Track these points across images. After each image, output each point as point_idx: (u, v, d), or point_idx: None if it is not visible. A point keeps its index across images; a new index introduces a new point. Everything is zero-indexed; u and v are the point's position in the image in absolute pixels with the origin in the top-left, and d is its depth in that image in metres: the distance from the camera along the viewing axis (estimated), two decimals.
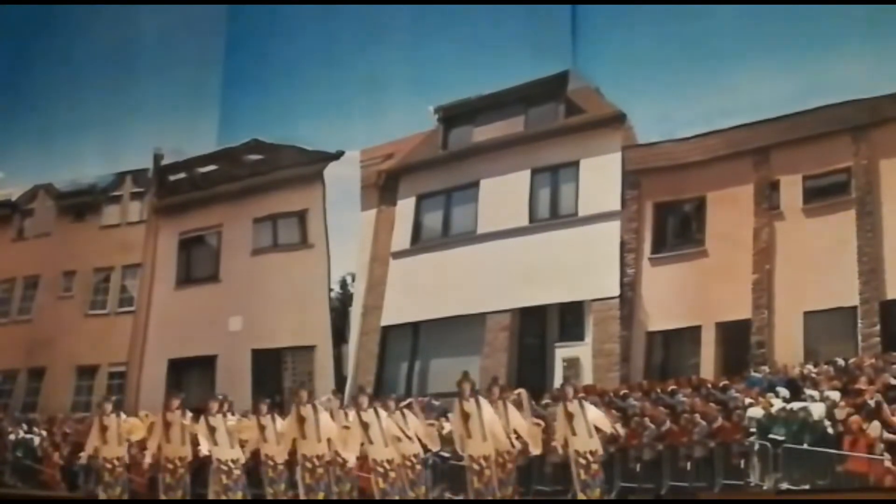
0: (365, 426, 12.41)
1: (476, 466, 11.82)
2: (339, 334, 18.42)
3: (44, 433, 18.89)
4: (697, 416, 13.81)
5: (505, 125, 18.08)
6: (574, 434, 12.04)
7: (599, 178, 16.86)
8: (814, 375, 14.03)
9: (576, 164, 17.24)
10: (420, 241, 18.62)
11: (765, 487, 12.90)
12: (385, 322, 18.31)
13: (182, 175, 20.54)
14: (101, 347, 20.18)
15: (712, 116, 15.61)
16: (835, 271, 14.85)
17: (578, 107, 17.43)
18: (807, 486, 12.38)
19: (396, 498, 12.42)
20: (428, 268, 18.27)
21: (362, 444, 12.80)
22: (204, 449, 13.53)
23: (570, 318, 16.87)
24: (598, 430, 12.41)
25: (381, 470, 12.32)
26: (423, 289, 18.06)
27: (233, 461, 13.42)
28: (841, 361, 14.13)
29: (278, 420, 13.59)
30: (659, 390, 14.88)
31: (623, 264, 16.44)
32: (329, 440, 12.95)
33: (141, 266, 20.42)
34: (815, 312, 14.99)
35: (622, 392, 15.08)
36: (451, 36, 17.85)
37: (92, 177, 21.08)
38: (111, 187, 21.06)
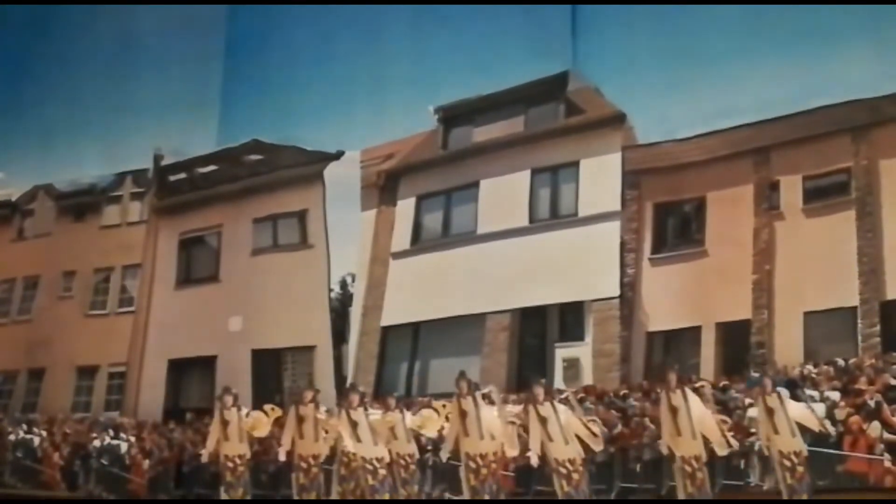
0: (543, 421, 11.33)
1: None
2: (339, 334, 18.43)
3: (44, 433, 18.89)
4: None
5: (505, 125, 18.09)
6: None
7: (599, 179, 16.87)
8: (814, 376, 14.03)
9: (576, 164, 17.25)
10: (420, 242, 18.63)
11: (765, 488, 12.88)
12: (385, 322, 18.32)
13: (182, 175, 20.55)
14: (101, 348, 20.18)
15: (712, 117, 15.62)
16: (835, 272, 14.86)
17: (578, 107, 17.45)
18: None
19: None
20: (428, 268, 18.27)
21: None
22: (349, 446, 12.16)
23: (570, 319, 16.87)
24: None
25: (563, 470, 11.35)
26: (423, 289, 18.06)
27: (377, 459, 12.10)
28: (841, 362, 14.14)
29: (408, 416, 12.60)
30: (659, 390, 14.83)
31: (623, 264, 16.45)
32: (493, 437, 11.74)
33: (141, 266, 20.43)
34: (815, 313, 15.00)
35: (622, 392, 15.07)
36: (450, 36, 17.87)
37: (92, 177, 21.09)
38: (111, 187, 21.07)
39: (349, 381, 17.82)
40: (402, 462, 12.20)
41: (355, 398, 12.37)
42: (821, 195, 15.45)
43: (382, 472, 11.95)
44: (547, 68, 17.27)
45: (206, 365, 19.22)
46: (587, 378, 16.08)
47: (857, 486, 11.82)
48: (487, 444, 11.49)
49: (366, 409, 12.30)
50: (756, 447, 12.97)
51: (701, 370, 15.35)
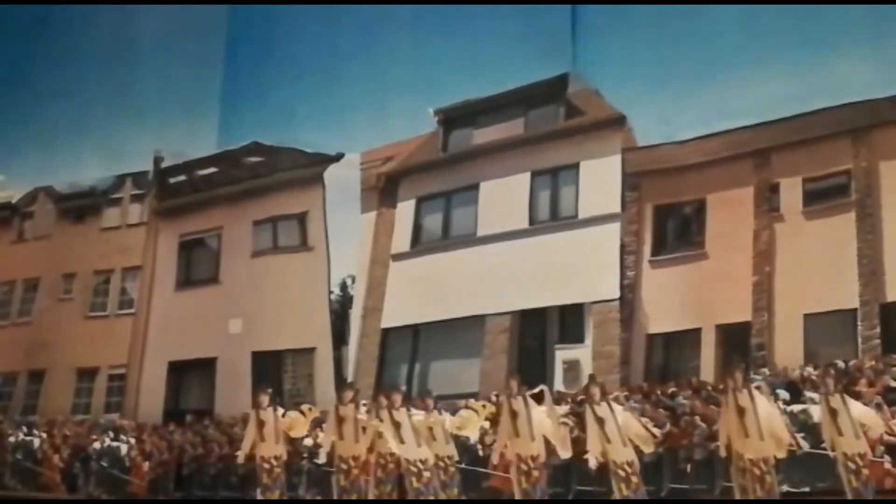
0: (600, 421, 10.98)
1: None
2: (339, 336, 18.43)
3: (44, 435, 18.84)
4: (697, 418, 13.73)
5: (505, 127, 18.09)
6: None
7: (599, 181, 16.87)
8: (814, 377, 14.01)
9: (576, 166, 17.25)
10: (420, 244, 18.63)
11: None
12: (385, 324, 18.32)
13: (182, 177, 20.56)
14: (101, 350, 20.17)
15: (712, 119, 15.64)
16: (835, 274, 14.87)
17: (578, 109, 17.46)
18: (807, 489, 12.33)
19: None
20: (428, 270, 18.27)
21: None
22: (393, 448, 11.76)
23: (570, 321, 16.87)
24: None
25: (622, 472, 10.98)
26: (423, 291, 18.06)
27: (421, 461, 11.70)
28: (841, 363, 14.12)
29: (447, 416, 12.38)
30: (659, 392, 14.85)
31: (623, 266, 16.46)
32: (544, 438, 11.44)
33: (141, 268, 20.42)
34: (815, 315, 15.01)
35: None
36: (451, 38, 17.87)
37: (92, 179, 21.09)
38: (111, 190, 21.07)
39: (349, 381, 17.86)
40: (442, 464, 11.88)
41: (398, 398, 11.99)
42: (821, 197, 15.46)
43: (427, 474, 11.61)
44: (547, 70, 17.29)
45: (206, 367, 19.23)
46: (587, 380, 16.05)
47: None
48: (539, 445, 11.20)
49: (408, 410, 11.94)
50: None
51: (701, 372, 15.35)
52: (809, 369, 14.36)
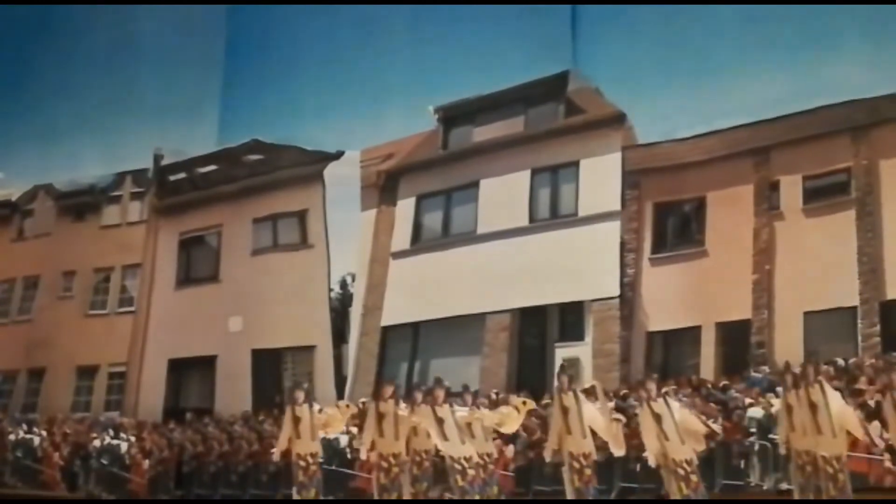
0: (657, 418, 10.61)
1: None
2: (339, 334, 18.43)
3: (44, 433, 18.88)
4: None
5: (505, 125, 18.08)
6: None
7: (599, 179, 16.86)
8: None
9: (576, 164, 17.24)
10: (420, 242, 18.62)
11: (765, 487, 12.90)
12: (385, 322, 18.31)
13: (182, 175, 20.55)
14: (101, 348, 20.18)
15: (712, 117, 15.63)
16: (835, 271, 14.86)
17: (578, 107, 17.44)
18: None
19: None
20: (428, 268, 18.27)
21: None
22: (439, 445, 11.48)
23: (570, 319, 16.87)
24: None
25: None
26: (423, 289, 18.06)
27: (465, 459, 11.36)
28: (841, 361, 14.12)
29: (486, 413, 11.91)
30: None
31: (623, 264, 16.45)
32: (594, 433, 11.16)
33: (141, 266, 20.42)
34: (816, 312, 15.01)
35: (622, 392, 15.05)
36: (450, 36, 17.86)
37: (92, 177, 21.08)
38: (111, 187, 21.06)
39: (349, 380, 17.88)
40: (481, 462, 11.52)
41: (440, 393, 11.67)
42: (821, 195, 15.45)
43: (471, 472, 11.29)
44: (547, 68, 17.27)
45: (206, 365, 19.23)
46: (587, 378, 16.05)
47: (857, 486, 11.78)
48: (591, 442, 10.95)
49: (451, 406, 11.62)
50: (756, 447, 12.99)
51: (701, 370, 15.35)
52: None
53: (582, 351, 16.44)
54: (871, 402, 12.75)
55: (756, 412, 13.26)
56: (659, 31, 16.14)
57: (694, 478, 10.48)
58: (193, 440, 17.26)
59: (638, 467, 13.27)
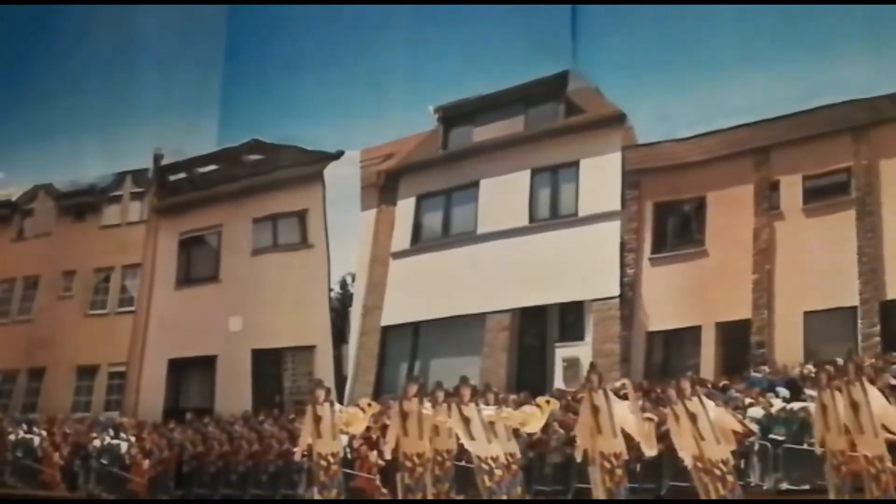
0: (693, 418, 10.38)
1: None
2: (339, 334, 18.43)
3: (44, 433, 18.86)
4: None
5: (505, 125, 18.08)
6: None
7: (599, 178, 16.86)
8: (814, 375, 13.99)
9: (576, 164, 17.24)
10: (420, 242, 18.62)
11: (765, 487, 12.87)
12: (385, 322, 18.31)
13: (182, 175, 20.56)
14: (101, 347, 20.18)
15: (712, 116, 15.63)
16: (835, 271, 14.86)
17: (578, 107, 17.44)
18: (807, 486, 12.32)
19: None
20: (428, 268, 18.27)
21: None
22: (466, 445, 11.23)
23: (570, 318, 16.87)
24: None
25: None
26: (423, 289, 18.06)
27: (493, 459, 11.07)
28: (841, 361, 14.09)
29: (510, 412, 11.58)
30: (659, 390, 14.81)
31: (623, 264, 16.45)
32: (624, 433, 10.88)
33: (141, 266, 20.42)
34: (815, 312, 15.00)
35: (622, 392, 15.02)
36: (451, 36, 17.86)
37: (92, 177, 21.10)
38: (111, 187, 21.07)
39: (349, 380, 17.88)
40: (505, 462, 11.25)
41: (467, 392, 11.39)
42: (821, 195, 15.45)
43: (498, 472, 11.03)
44: (547, 68, 17.27)
45: (206, 365, 19.23)
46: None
47: (857, 486, 11.78)
48: (622, 441, 10.71)
49: (477, 405, 11.36)
50: (756, 447, 12.98)
51: (701, 370, 15.34)
52: (809, 367, 14.35)
53: (582, 351, 16.43)
54: None
55: (756, 412, 13.24)
56: (659, 31, 16.14)
57: (730, 478, 10.27)
58: (193, 440, 17.24)
59: (638, 467, 13.25)
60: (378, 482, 12.24)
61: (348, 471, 14.63)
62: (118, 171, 20.90)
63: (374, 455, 13.77)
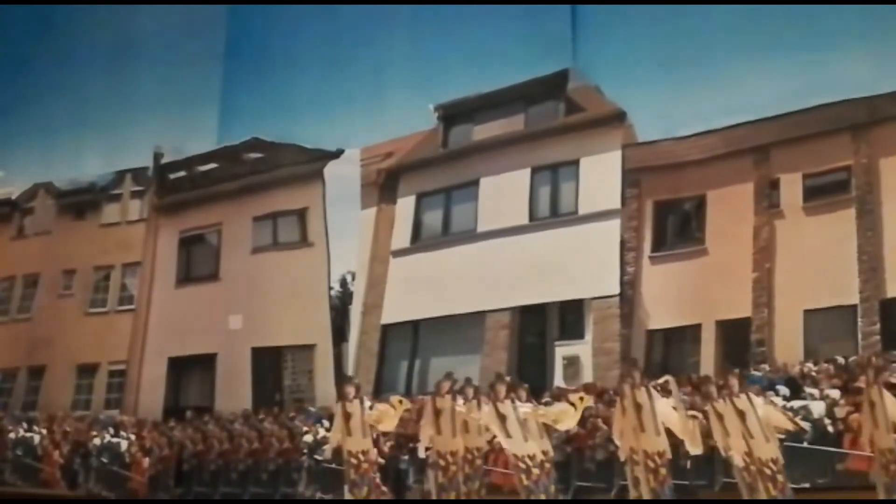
0: (741, 415, 10.17)
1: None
2: (340, 333, 18.43)
3: (44, 431, 18.88)
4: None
5: (505, 123, 18.08)
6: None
7: (599, 177, 16.86)
8: (814, 373, 14.02)
9: (576, 162, 17.24)
10: (420, 240, 18.63)
11: None
12: (385, 320, 18.32)
13: (182, 173, 20.55)
14: (101, 346, 20.18)
15: (712, 115, 15.63)
16: (835, 269, 14.86)
17: (578, 105, 17.44)
18: (807, 485, 12.33)
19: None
20: (428, 266, 18.27)
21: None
22: (503, 443, 11.05)
23: (570, 317, 16.87)
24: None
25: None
26: (423, 287, 18.06)
27: (530, 457, 10.85)
28: (841, 359, 14.13)
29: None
30: (659, 388, 14.77)
31: (623, 263, 16.45)
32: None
33: (141, 264, 20.42)
34: (816, 311, 15.01)
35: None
36: (451, 35, 17.86)
37: (92, 175, 21.09)
38: (111, 186, 21.06)
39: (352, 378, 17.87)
40: (541, 460, 11.06)
41: (502, 389, 11.18)
42: (821, 193, 15.45)
43: (536, 470, 10.81)
44: (547, 66, 17.26)
45: (206, 363, 19.22)
46: (587, 376, 16.07)
47: (857, 485, 11.77)
48: (665, 440, 10.52)
49: (513, 402, 11.15)
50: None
51: (701, 368, 15.34)
52: (809, 365, 14.37)
53: (582, 349, 16.44)
54: None
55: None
56: (659, 30, 16.13)
57: (780, 478, 10.07)
58: (193, 438, 17.27)
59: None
60: (378, 480, 12.23)
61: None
62: (118, 169, 20.89)
63: (373, 453, 13.71)
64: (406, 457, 14.29)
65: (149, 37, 19.96)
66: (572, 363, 16.40)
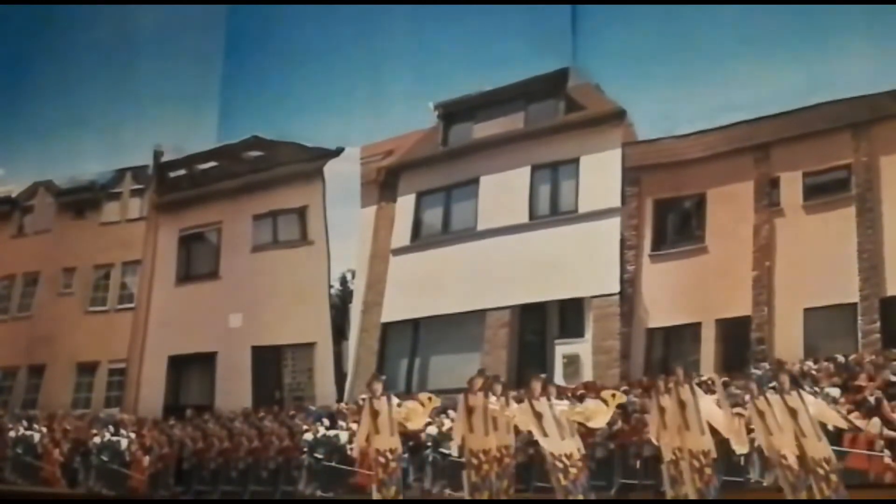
0: (793, 413, 9.91)
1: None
2: (340, 331, 18.42)
3: (44, 430, 18.89)
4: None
5: (505, 122, 18.07)
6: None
7: (599, 175, 16.85)
8: (814, 372, 14.02)
9: (576, 160, 17.23)
10: (420, 238, 18.62)
11: (765, 484, 12.87)
12: (385, 319, 18.31)
13: (182, 172, 20.54)
14: (101, 344, 20.18)
15: (712, 113, 15.61)
16: (835, 268, 14.85)
17: (578, 103, 17.43)
18: None
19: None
20: (428, 264, 18.26)
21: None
22: (540, 442, 10.84)
23: (570, 315, 16.86)
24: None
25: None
26: (423, 285, 18.05)
27: (567, 456, 10.66)
28: (841, 358, 14.13)
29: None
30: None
31: (623, 261, 16.44)
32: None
33: (141, 263, 20.41)
34: (816, 309, 15.00)
35: (622, 389, 15.02)
36: (451, 32, 17.84)
37: (92, 173, 21.08)
38: (111, 184, 21.06)
39: (349, 377, 17.89)
40: (579, 458, 10.84)
41: (537, 386, 11.07)
42: (821, 191, 15.44)
43: (573, 470, 10.60)
44: (547, 65, 17.25)
45: (206, 361, 19.22)
46: (587, 375, 16.07)
47: (857, 483, 11.77)
48: (710, 439, 10.32)
49: (549, 399, 11.00)
50: (756, 444, 12.96)
51: (701, 367, 15.34)
52: (809, 363, 14.37)
53: (582, 348, 16.43)
54: (872, 399, 12.77)
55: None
56: (659, 28, 16.12)
57: (834, 477, 9.81)
58: (193, 437, 17.27)
59: (638, 464, 13.27)
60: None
61: (347, 467, 14.68)
62: (118, 167, 20.88)
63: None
64: (406, 455, 14.28)
65: (149, 35, 19.95)
66: (572, 361, 16.40)
